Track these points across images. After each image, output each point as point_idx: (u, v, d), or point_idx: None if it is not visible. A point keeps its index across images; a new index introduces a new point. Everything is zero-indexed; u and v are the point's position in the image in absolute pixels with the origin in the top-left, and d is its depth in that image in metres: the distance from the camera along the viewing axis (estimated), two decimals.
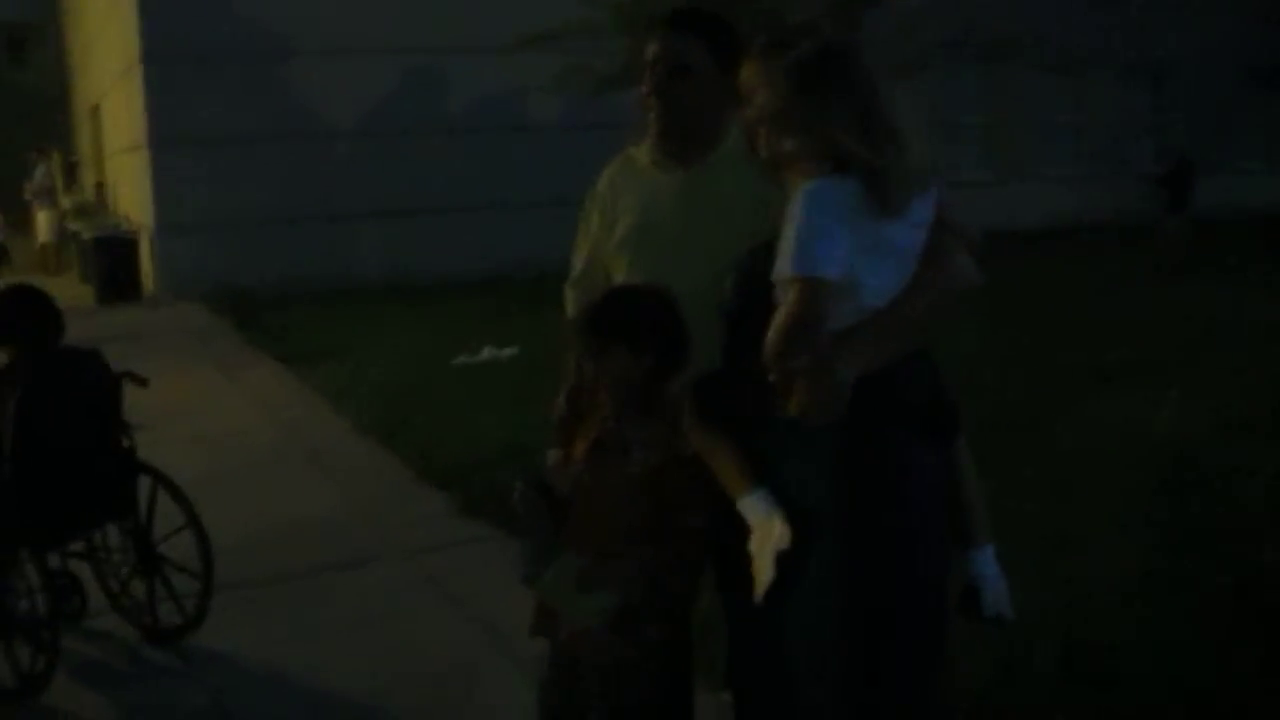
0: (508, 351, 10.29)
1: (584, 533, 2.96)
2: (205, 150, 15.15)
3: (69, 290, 14.96)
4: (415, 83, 16.14)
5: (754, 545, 2.69)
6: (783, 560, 2.63)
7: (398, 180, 15.95)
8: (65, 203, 20.65)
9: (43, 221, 20.37)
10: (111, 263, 15.53)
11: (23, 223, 21.34)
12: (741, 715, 3.16)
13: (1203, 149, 19.39)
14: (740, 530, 2.79)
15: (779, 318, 2.53)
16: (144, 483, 4.79)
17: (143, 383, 4.74)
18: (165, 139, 15.27)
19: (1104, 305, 11.97)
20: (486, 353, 10.23)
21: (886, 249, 2.57)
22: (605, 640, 2.91)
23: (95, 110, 22.45)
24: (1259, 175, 23.57)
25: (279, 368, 10.64)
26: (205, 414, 8.62)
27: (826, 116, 2.51)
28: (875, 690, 2.65)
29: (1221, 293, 12.10)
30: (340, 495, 6.76)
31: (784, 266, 2.50)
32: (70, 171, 23.43)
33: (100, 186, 21.81)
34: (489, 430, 7.65)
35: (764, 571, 2.66)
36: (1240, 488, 5.94)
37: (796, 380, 2.53)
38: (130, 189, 17.84)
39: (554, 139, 16.45)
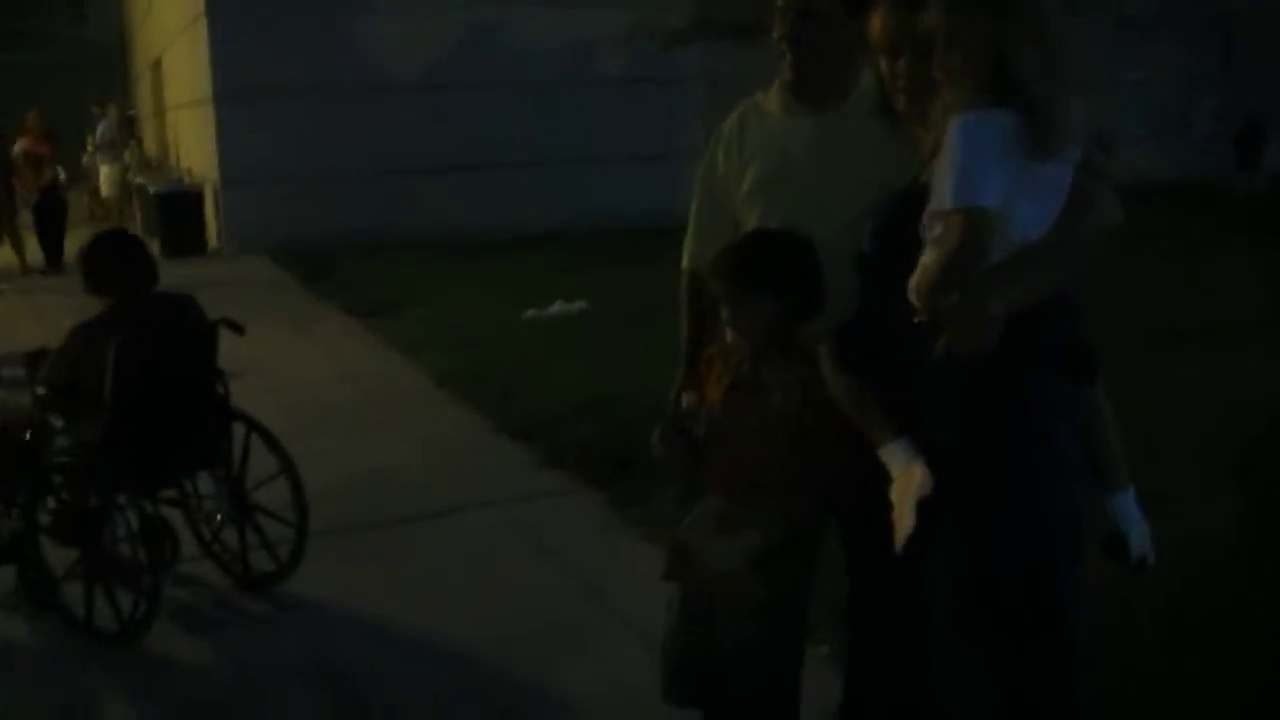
0: (577, 305, 10.25)
1: (723, 475, 2.94)
2: (269, 104, 15.13)
3: None
4: (479, 36, 16.05)
5: (894, 493, 2.65)
6: (924, 507, 2.59)
7: (461, 135, 15.89)
8: (127, 157, 20.76)
9: (106, 175, 20.49)
10: (176, 217, 15.59)
11: (81, 178, 21.46)
12: (862, 663, 3.12)
13: (1272, 109, 19.01)
14: (873, 477, 2.76)
15: (935, 251, 2.49)
16: (237, 430, 4.79)
17: (239, 329, 4.72)
18: (229, 92, 15.27)
19: (1182, 265, 11.76)
20: (557, 306, 10.19)
21: (1038, 184, 2.52)
22: (745, 581, 2.88)
23: (156, 64, 22.50)
24: None
25: (349, 321, 10.64)
26: (280, 367, 8.61)
27: (1003, 37, 2.45)
28: (1029, 638, 2.60)
29: None
30: (421, 446, 6.73)
31: (942, 199, 2.45)
32: (129, 126, 23.52)
33: (162, 140, 21.92)
34: (565, 383, 7.61)
35: (904, 519, 2.61)
36: None
37: (946, 316, 2.49)
38: (192, 143, 17.88)
39: (618, 94, 16.36)
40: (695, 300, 3.28)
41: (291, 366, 8.80)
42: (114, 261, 4.53)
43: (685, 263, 3.34)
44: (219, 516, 4.88)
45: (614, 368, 8.02)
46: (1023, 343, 2.53)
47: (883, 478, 2.69)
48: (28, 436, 4.57)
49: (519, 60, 16.13)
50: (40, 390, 4.51)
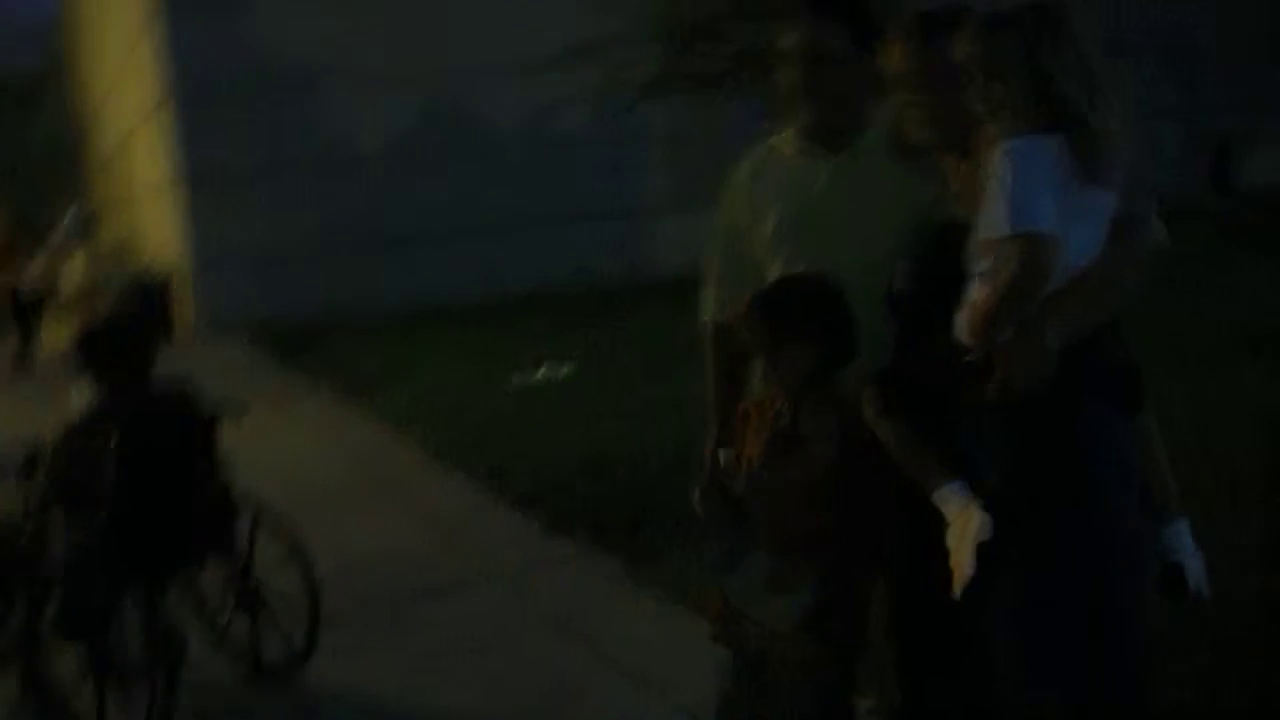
0: (564, 369, 10.16)
1: (769, 531, 2.85)
2: (237, 184, 15.09)
3: None
4: (443, 105, 16.08)
5: (952, 538, 2.57)
6: (983, 551, 2.52)
7: (430, 204, 15.87)
8: (90, 249, 20.64)
9: (72, 268, 20.34)
10: (146, 304, 15.46)
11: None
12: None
13: (1239, 128, 19.16)
14: (922, 525, 2.68)
15: (991, 283, 2.43)
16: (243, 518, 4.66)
17: (241, 411, 4.61)
18: (197, 175, 15.23)
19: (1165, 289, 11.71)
20: (543, 371, 10.10)
21: (1087, 210, 2.48)
22: (798, 641, 2.78)
23: (117, 153, 22.44)
24: None
25: (334, 398, 10.52)
26: (268, 448, 8.41)
27: (1052, 65, 2.41)
28: (1093, 674, 2.52)
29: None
30: (422, 521, 6.62)
31: (996, 227, 2.40)
32: (91, 217, 23.42)
33: (127, 229, 21.80)
34: (562, 448, 7.51)
35: (964, 564, 2.54)
36: None
37: (1001, 351, 2.43)
38: (160, 229, 17.79)
39: (582, 154, 16.38)
40: (721, 352, 3.21)
41: (280, 448, 8.64)
42: (111, 350, 4.42)
43: (706, 314, 3.26)
44: (228, 608, 4.73)
45: (609, 429, 7.93)
46: (1075, 374, 2.47)
47: (935, 524, 2.62)
48: (23, 540, 4.43)
49: (483, 126, 16.17)
50: (39, 489, 4.37)
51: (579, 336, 11.72)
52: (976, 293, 2.50)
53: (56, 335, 13.85)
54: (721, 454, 3.04)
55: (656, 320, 12.38)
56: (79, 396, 4.40)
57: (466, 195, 15.93)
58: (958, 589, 2.54)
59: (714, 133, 16.19)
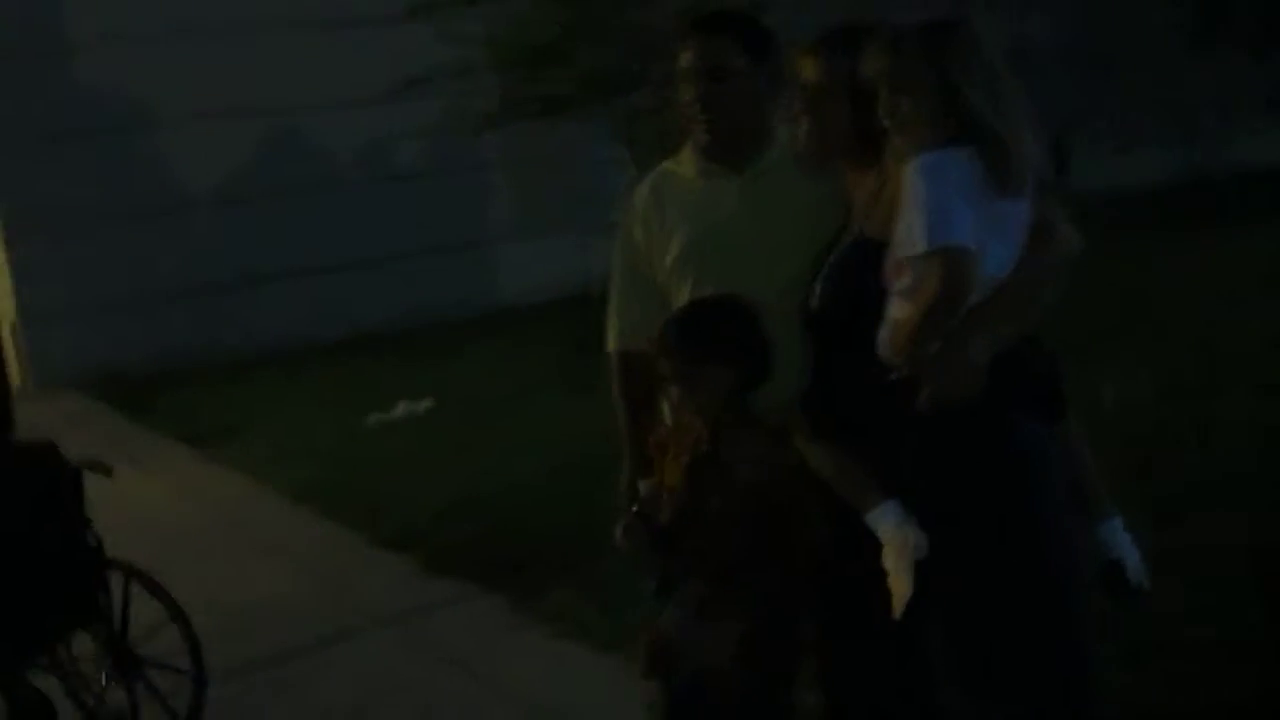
0: (424, 405, 9.96)
1: (698, 561, 2.78)
2: (62, 233, 14.47)
3: None
4: (276, 141, 15.68)
5: (889, 558, 2.54)
6: (920, 570, 2.49)
7: (267, 243, 15.40)
8: None
9: None
10: None
11: None
12: None
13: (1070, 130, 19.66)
14: (851, 546, 2.64)
15: (911, 300, 2.41)
16: (114, 580, 4.41)
17: (107, 471, 4.37)
18: (19, 227, 14.57)
19: None
20: (401, 409, 9.88)
21: (1002, 221, 2.48)
22: (732, 670, 2.72)
23: None
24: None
25: (185, 449, 10.09)
26: (125, 505, 8.05)
27: (959, 80, 2.40)
28: (1040, 687, 2.51)
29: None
30: (295, 570, 6.38)
31: (914, 243, 2.37)
32: None
33: None
34: (430, 486, 7.36)
35: (903, 585, 2.50)
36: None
37: (928, 368, 2.41)
38: None
39: (421, 186, 16.16)
40: (629, 382, 3.14)
41: (136, 504, 8.22)
42: None
43: (612, 344, 3.19)
44: (103, 678, 4.47)
45: (476, 465, 7.80)
46: (1000, 386, 2.47)
47: (866, 544, 2.58)
48: None
49: (319, 162, 15.82)
50: None
51: (431, 371, 11.52)
52: (898, 310, 2.48)
53: None
54: (642, 486, 2.97)
55: (505, 351, 12.28)
56: None
57: (306, 233, 15.53)
58: (898, 609, 2.51)
59: (555, 159, 16.23)
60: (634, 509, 2.86)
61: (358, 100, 14.57)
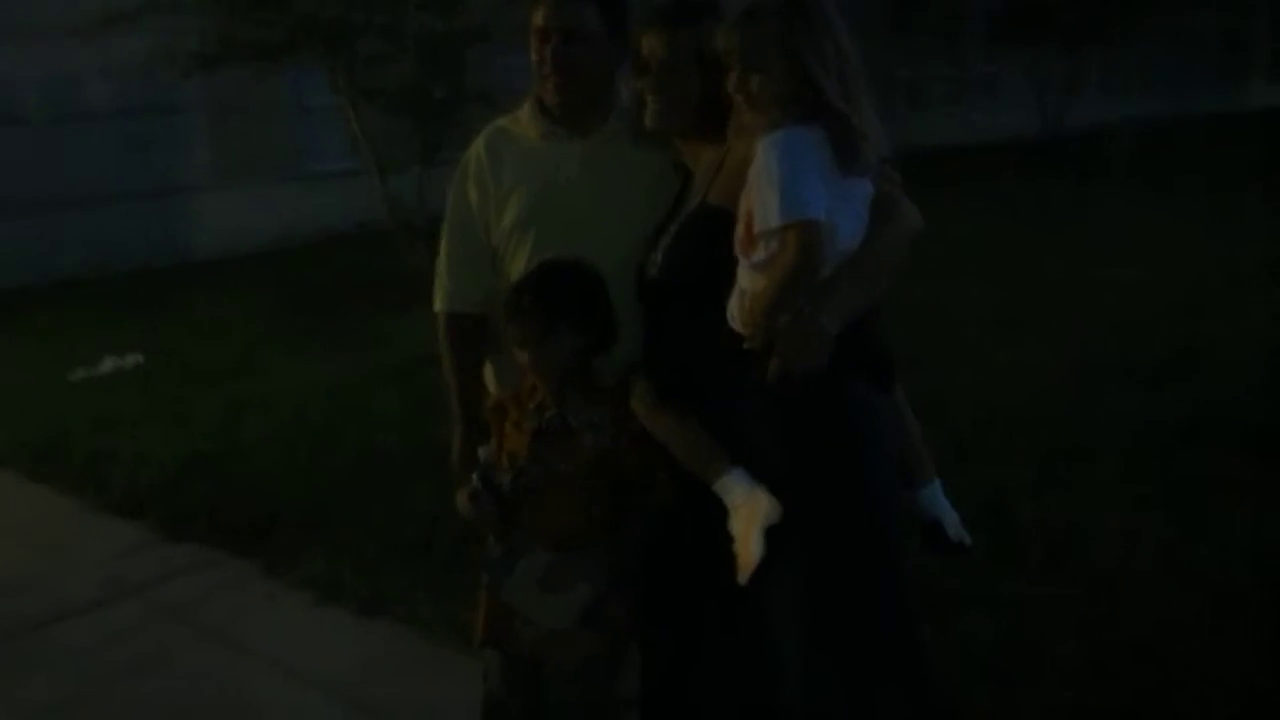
0: (131, 360, 9.43)
1: (543, 528, 2.76)
2: None
3: None
4: None
5: (737, 524, 2.59)
6: (771, 535, 2.55)
7: None
8: None
9: None
10: None
11: None
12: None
13: None
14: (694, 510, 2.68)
15: (765, 272, 2.45)
16: None
17: None
18: None
19: None
20: (108, 364, 9.32)
21: (850, 197, 2.56)
22: (577, 637, 2.72)
23: None
24: None
25: None
26: None
27: (810, 60, 2.44)
28: (876, 641, 2.61)
29: None
30: (15, 539, 5.90)
31: (769, 216, 2.43)
32: None
33: None
34: (153, 447, 7.00)
35: (752, 550, 2.56)
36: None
37: (779, 337, 2.46)
38: None
39: (113, 128, 15.23)
40: (460, 345, 3.08)
41: None
42: None
43: (440, 305, 3.11)
44: None
45: (199, 425, 7.48)
46: (842, 357, 2.54)
47: (718, 512, 2.62)
48: None
49: (3, 97, 14.65)
50: None
51: (135, 324, 10.93)
52: (750, 281, 2.53)
53: None
54: (481, 451, 2.91)
55: (212, 305, 11.78)
56: None
57: None
58: (744, 575, 2.56)
59: (260, 106, 15.57)
60: (476, 476, 2.80)
61: (36, 31, 13.56)
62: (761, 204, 2.46)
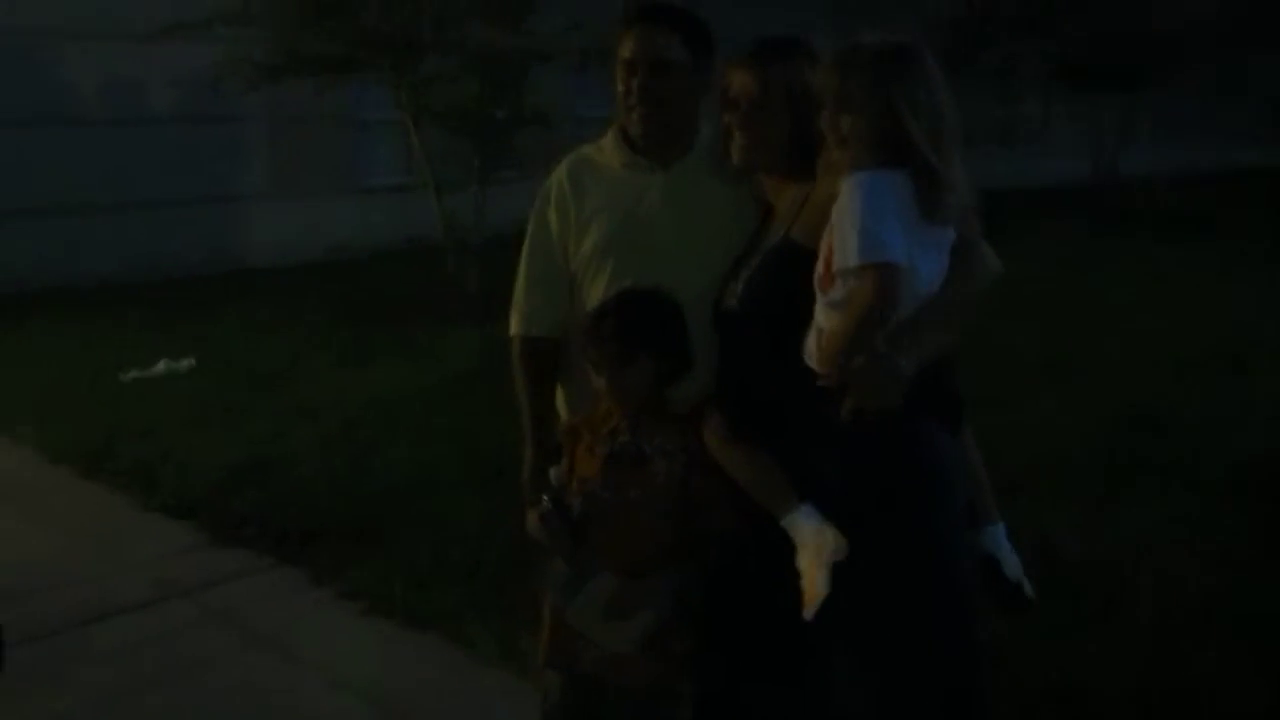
0: (185, 363, 9.52)
1: (611, 553, 2.77)
2: None
3: None
4: (17, 68, 14.61)
5: (804, 560, 2.59)
6: (838, 572, 2.55)
7: (7, 181, 14.37)
8: None
9: None
10: None
11: None
12: None
13: None
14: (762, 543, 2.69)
15: (841, 312, 2.46)
16: None
17: None
18: None
19: None
20: (162, 366, 9.41)
21: (930, 242, 2.56)
22: (640, 662, 2.73)
23: None
24: None
25: None
26: None
27: (903, 108, 2.45)
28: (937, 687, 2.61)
29: None
30: (66, 535, 5.96)
31: (848, 255, 2.44)
32: None
33: None
34: (206, 450, 7.07)
35: (819, 585, 2.56)
36: None
37: (854, 377, 2.46)
38: None
39: (175, 133, 15.41)
40: (534, 367, 3.09)
41: None
42: None
43: (516, 328, 3.13)
44: None
45: (254, 430, 7.54)
46: (920, 395, 2.55)
47: (782, 544, 2.63)
48: None
49: (65, 97, 14.84)
50: None
51: (189, 329, 11.03)
52: (827, 319, 2.54)
53: None
54: (552, 473, 2.92)
55: (266, 313, 11.88)
56: None
57: (47, 172, 14.56)
58: (810, 611, 2.56)
59: (320, 119, 15.71)
60: (547, 497, 2.81)
61: (110, 34, 13.74)
62: (841, 242, 2.47)
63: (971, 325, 2.71)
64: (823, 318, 2.54)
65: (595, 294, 2.93)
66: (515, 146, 11.88)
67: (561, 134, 13.56)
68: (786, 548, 2.62)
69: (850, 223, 2.45)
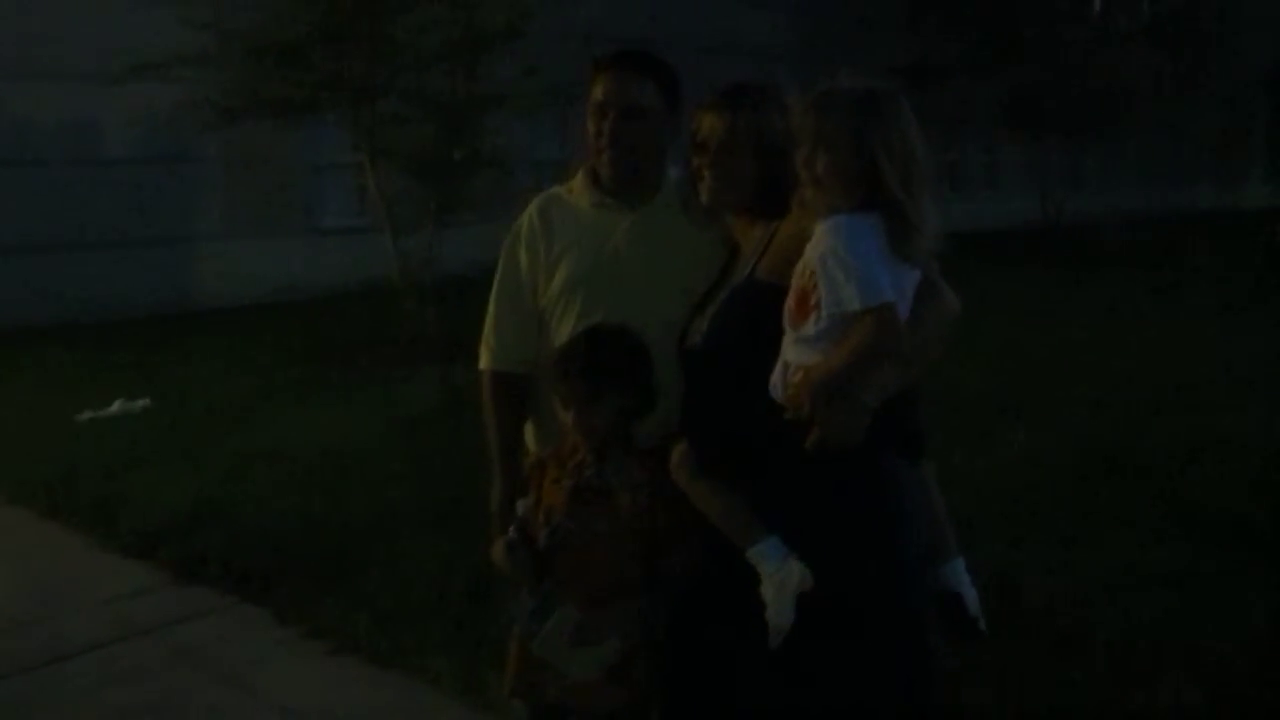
0: (140, 403, 9.50)
1: (576, 583, 2.84)
2: None
3: None
4: None
5: (768, 590, 2.65)
6: (801, 602, 2.62)
7: None
8: None
9: None
10: None
11: None
12: None
13: None
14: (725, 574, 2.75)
15: (847, 348, 2.52)
16: None
17: None
18: None
19: None
20: (117, 406, 9.38)
21: (898, 283, 2.63)
22: (606, 690, 2.80)
23: None
24: None
25: None
26: None
27: (877, 150, 2.54)
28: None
29: None
30: (19, 574, 5.94)
31: (844, 300, 2.50)
32: None
33: None
34: (162, 490, 7.06)
35: (783, 615, 2.63)
36: None
37: (820, 412, 2.54)
38: None
39: (129, 174, 15.41)
40: (504, 401, 3.16)
41: None
42: None
43: (486, 363, 3.21)
44: None
45: (212, 470, 7.53)
46: (881, 429, 2.63)
47: (748, 576, 2.69)
48: None
49: (21, 137, 14.80)
50: None
51: (142, 368, 11.02)
52: (795, 354, 2.60)
53: None
54: (520, 505, 2.98)
55: (219, 352, 11.87)
56: None
57: (2, 211, 14.51)
58: (776, 639, 2.63)
59: (273, 160, 15.77)
60: (513, 528, 2.87)
61: (60, 75, 13.73)
62: (833, 286, 2.53)
63: (933, 365, 2.80)
64: (791, 353, 2.62)
65: (564, 330, 3.01)
66: (471, 189, 11.95)
67: (517, 177, 13.79)
68: (752, 579, 2.69)
69: (840, 267, 2.53)
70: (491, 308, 3.21)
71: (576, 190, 3.13)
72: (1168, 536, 5.87)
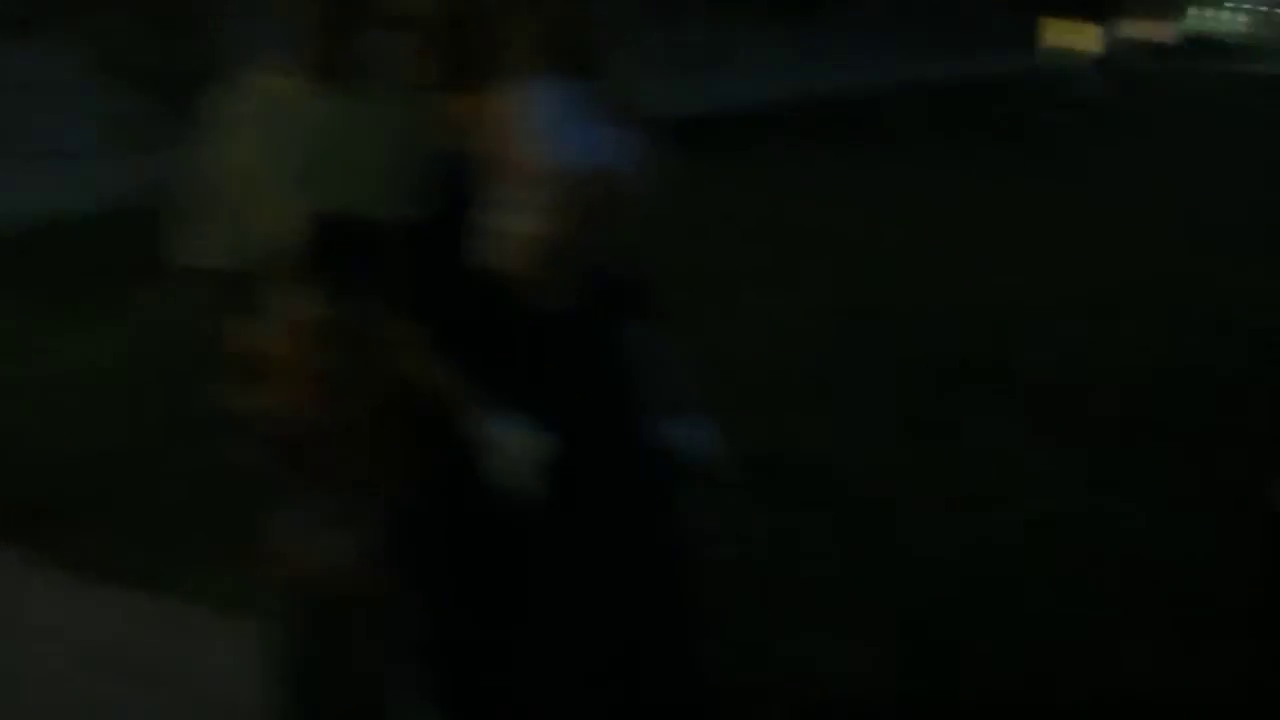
0: None
1: (322, 473, 2.86)
2: None
3: None
4: None
5: (507, 462, 2.71)
6: (552, 472, 2.69)
7: None
8: None
9: None
10: None
11: None
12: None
13: None
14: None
15: (557, 213, 2.58)
16: None
17: None
18: None
19: None
20: None
21: (599, 145, 2.70)
22: (362, 573, 2.85)
23: None
24: None
25: None
26: None
27: (567, 10, 2.60)
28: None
29: None
30: None
31: (545, 164, 2.56)
32: None
33: None
34: None
35: (528, 480, 2.69)
36: None
37: (535, 275, 2.60)
38: None
39: None
40: (228, 299, 3.09)
41: None
42: None
43: (199, 261, 3.11)
44: None
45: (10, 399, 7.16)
46: (603, 288, 2.73)
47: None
48: None
49: None
50: None
51: None
52: (511, 223, 2.64)
53: None
54: (260, 401, 2.95)
55: None
56: None
57: None
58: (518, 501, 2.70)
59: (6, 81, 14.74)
60: (258, 425, 2.87)
61: None
62: (527, 153, 2.59)
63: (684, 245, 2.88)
64: (499, 220, 2.65)
65: (282, 223, 2.95)
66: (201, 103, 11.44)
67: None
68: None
69: (533, 134, 2.59)
70: (202, 205, 3.10)
71: (279, 75, 3.06)
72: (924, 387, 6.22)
